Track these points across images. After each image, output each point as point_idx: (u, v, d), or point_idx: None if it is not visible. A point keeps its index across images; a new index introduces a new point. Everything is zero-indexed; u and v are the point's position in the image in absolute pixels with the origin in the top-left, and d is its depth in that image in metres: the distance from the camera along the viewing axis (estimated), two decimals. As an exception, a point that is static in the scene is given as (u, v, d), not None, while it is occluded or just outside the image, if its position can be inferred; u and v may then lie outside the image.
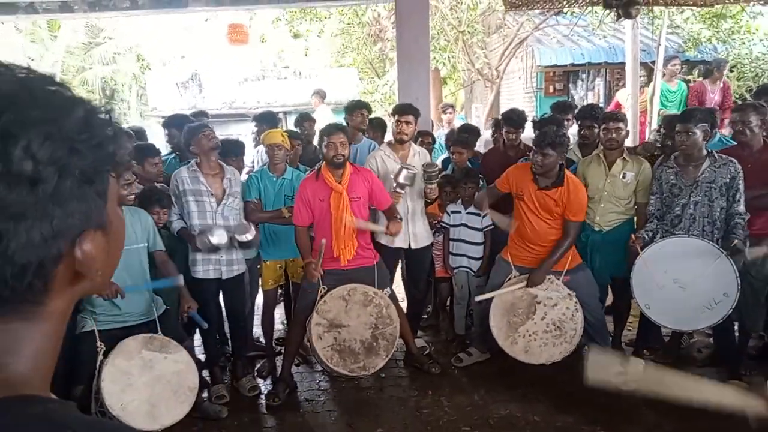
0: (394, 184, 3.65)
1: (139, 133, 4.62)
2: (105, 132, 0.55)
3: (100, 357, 2.89)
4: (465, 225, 4.12)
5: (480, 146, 5.32)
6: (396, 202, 3.65)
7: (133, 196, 3.16)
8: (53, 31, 17.53)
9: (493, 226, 4.04)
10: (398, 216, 3.58)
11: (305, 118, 5.18)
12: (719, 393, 1.28)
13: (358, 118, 4.57)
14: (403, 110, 3.91)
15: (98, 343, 2.91)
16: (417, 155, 3.95)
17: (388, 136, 4.44)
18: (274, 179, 3.84)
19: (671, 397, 1.40)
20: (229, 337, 3.96)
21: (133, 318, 3.11)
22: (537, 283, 3.44)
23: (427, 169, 3.74)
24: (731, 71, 9.22)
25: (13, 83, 0.51)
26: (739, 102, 4.48)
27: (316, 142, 4.53)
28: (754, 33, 9.62)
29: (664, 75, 6.52)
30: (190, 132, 3.58)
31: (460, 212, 4.14)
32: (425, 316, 4.64)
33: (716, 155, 3.32)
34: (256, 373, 3.85)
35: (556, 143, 3.32)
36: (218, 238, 3.34)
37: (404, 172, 3.62)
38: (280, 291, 4.29)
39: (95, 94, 19.19)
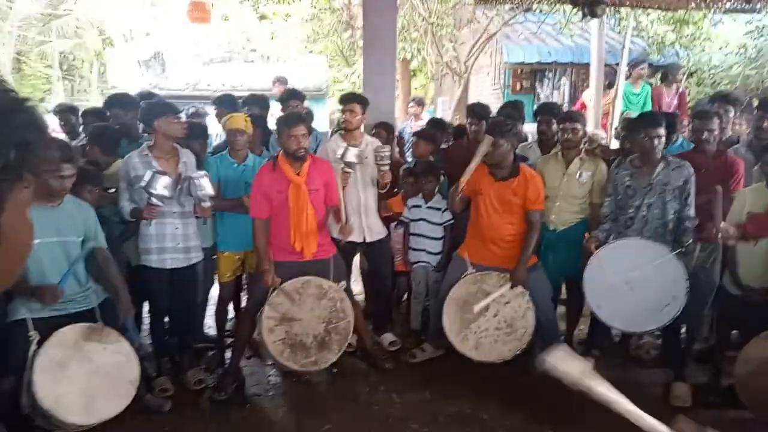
0: (342, 165, 3.58)
1: (100, 115, 4.37)
2: (12, 137, 0.49)
3: (33, 347, 2.73)
4: (425, 219, 4.08)
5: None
6: (344, 184, 3.57)
7: (68, 187, 2.87)
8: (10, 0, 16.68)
9: (452, 221, 4.02)
10: (344, 218, 3.51)
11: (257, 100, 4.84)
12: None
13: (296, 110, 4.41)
14: (347, 99, 3.88)
15: (30, 332, 2.74)
16: (369, 145, 3.86)
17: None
18: (235, 165, 3.71)
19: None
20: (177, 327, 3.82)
21: (71, 306, 2.95)
22: (522, 281, 3.42)
23: (378, 150, 3.70)
24: (691, 77, 9.42)
25: None
26: (697, 108, 4.56)
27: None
28: (713, 41, 9.86)
29: (628, 77, 6.60)
30: (157, 108, 3.41)
31: (420, 206, 4.10)
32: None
33: (670, 158, 3.36)
34: (203, 366, 3.74)
35: (505, 131, 3.37)
36: (161, 184, 3.14)
37: (351, 150, 3.57)
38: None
39: (54, 69, 18.41)
